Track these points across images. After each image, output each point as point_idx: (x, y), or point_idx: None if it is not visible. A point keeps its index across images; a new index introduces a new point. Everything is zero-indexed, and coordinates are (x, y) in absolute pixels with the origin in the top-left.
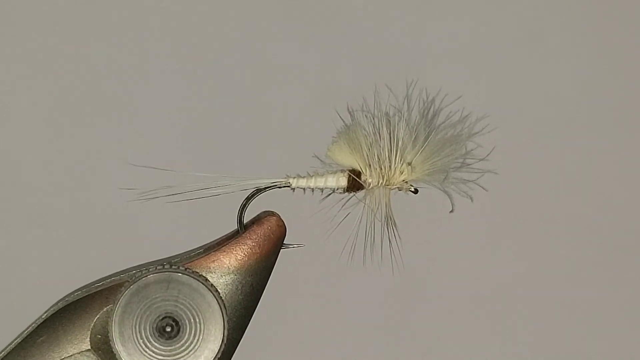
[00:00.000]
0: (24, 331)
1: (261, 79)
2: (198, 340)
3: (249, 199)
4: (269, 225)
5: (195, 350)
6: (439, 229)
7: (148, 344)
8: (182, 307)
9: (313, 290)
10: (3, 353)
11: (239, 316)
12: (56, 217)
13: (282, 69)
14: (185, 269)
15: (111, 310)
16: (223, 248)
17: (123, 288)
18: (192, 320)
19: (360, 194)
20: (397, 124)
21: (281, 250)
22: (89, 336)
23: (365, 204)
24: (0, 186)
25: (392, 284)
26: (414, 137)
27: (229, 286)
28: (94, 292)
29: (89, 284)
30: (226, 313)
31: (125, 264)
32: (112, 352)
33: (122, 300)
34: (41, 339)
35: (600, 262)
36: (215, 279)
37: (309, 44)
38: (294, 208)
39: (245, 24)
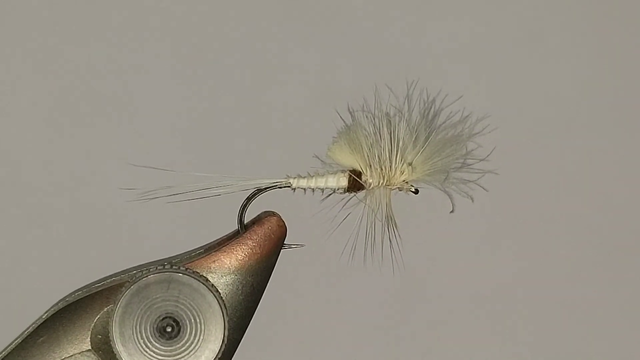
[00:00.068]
0: (25, 331)
1: (261, 79)
2: (198, 340)
3: (249, 199)
4: (269, 225)
5: (196, 351)
6: (439, 229)
7: (149, 344)
8: (182, 307)
9: (313, 290)
10: (3, 353)
11: (240, 316)
12: (56, 217)
13: (282, 69)
14: (186, 269)
15: (112, 310)
16: (223, 248)
17: (124, 288)
18: (192, 320)
19: (361, 194)
20: (398, 124)
21: (281, 250)
22: (89, 336)
23: (365, 204)
24: (0, 186)
25: (392, 284)
26: (414, 137)
27: (229, 286)
28: (94, 293)
29: (89, 284)
30: (227, 313)
31: (125, 264)
32: (113, 352)
33: (123, 300)
34: (42, 339)
35: (600, 262)
36: (215, 279)
37: (309, 44)
38: (295, 208)
39: (245, 24)
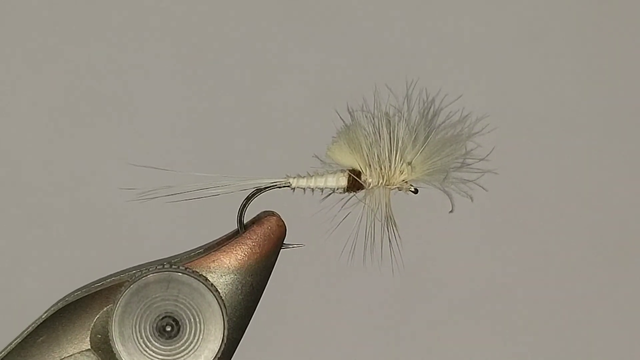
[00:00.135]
0: (24, 331)
1: (261, 79)
2: (198, 339)
3: (249, 199)
4: (269, 225)
5: (195, 350)
6: (439, 229)
7: (148, 343)
8: (182, 306)
9: (313, 290)
10: (3, 353)
11: (239, 316)
12: (56, 217)
13: (282, 69)
14: (186, 268)
15: (111, 309)
16: (223, 248)
17: (123, 288)
18: (192, 319)
19: (360, 194)
20: (397, 124)
21: (281, 250)
22: (89, 336)
23: (365, 204)
24: (0, 186)
25: (392, 284)
26: (414, 137)
27: (229, 286)
28: (94, 292)
29: (89, 284)
30: (226, 313)
31: (125, 264)
32: (112, 351)
33: (122, 299)
34: (41, 338)
35: (600, 262)
36: (215, 279)
37: (309, 44)
38: (294, 208)
39: (245, 24)
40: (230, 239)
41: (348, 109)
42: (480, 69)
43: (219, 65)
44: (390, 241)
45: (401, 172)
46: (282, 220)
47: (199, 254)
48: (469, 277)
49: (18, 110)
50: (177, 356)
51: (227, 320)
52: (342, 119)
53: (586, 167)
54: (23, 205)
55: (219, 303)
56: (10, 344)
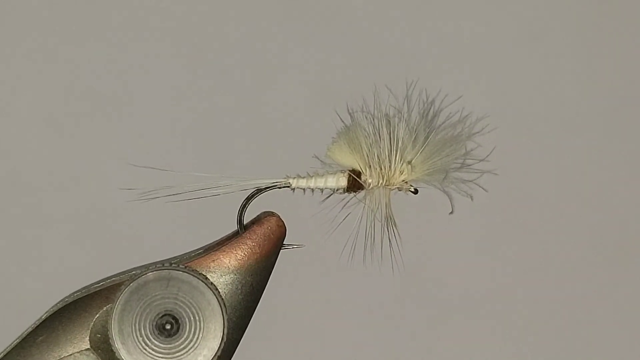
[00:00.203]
0: (24, 332)
1: (261, 79)
2: (198, 338)
3: (249, 199)
4: (269, 225)
5: (195, 349)
6: (439, 229)
7: (148, 341)
8: (181, 304)
9: (313, 290)
10: (3, 353)
11: (239, 316)
12: (56, 217)
13: (282, 69)
14: (185, 266)
15: (111, 308)
16: (223, 248)
17: (123, 286)
18: (191, 318)
19: (361, 194)
20: (397, 124)
21: (281, 250)
22: (88, 335)
23: (365, 204)
24: (0, 186)
25: (392, 284)
26: (414, 137)
27: (229, 286)
28: (94, 292)
29: (88, 284)
30: (226, 311)
31: (125, 264)
32: (112, 350)
33: (122, 298)
34: (40, 338)
35: (600, 262)
36: (215, 279)
37: (309, 44)
38: (294, 208)
39: (245, 24)
40: (230, 239)
41: (348, 109)
42: (480, 69)
43: (219, 65)
44: (390, 241)
45: (401, 173)
46: (282, 221)
47: (199, 254)
48: (469, 277)
49: (18, 110)
50: (177, 354)
51: (227, 319)
52: (342, 120)
53: (586, 167)
54: (23, 205)
55: (218, 301)
56: (11, 344)
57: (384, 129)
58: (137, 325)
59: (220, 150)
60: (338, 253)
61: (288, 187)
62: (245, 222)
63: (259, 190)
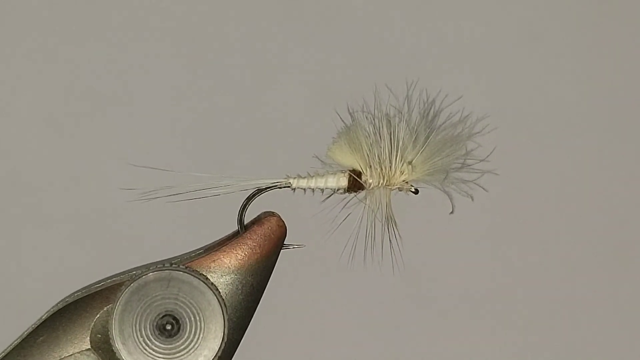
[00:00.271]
0: (24, 332)
1: (261, 79)
2: (198, 338)
3: (249, 199)
4: (269, 225)
5: (196, 349)
6: (439, 229)
7: (148, 342)
8: (182, 305)
9: (313, 290)
10: (3, 353)
11: (240, 316)
12: (56, 217)
13: (282, 69)
14: (186, 267)
15: (111, 308)
16: (223, 248)
17: (123, 287)
18: (192, 318)
19: (361, 194)
20: (398, 125)
21: (281, 250)
22: (89, 335)
23: (365, 204)
24: (0, 186)
25: (392, 284)
26: (414, 137)
27: (229, 286)
28: (94, 292)
29: (89, 284)
30: (226, 311)
31: (125, 264)
32: (113, 351)
33: (122, 298)
34: (41, 338)
35: (600, 262)
36: (215, 279)
37: (309, 44)
38: (295, 208)
39: (245, 24)
40: (230, 239)
41: (348, 109)
42: (480, 69)
43: (219, 65)
44: (390, 241)
45: (402, 173)
46: (283, 221)
47: (199, 254)
48: (469, 276)
49: (18, 110)
50: (178, 355)
51: (228, 319)
52: (342, 120)
53: (586, 167)
54: (23, 205)
55: (219, 301)
56: (11, 344)
57: (385, 129)
58: (137, 325)
59: (221, 150)
60: (338, 253)
61: (288, 187)
62: (245, 222)
63: (260, 191)
